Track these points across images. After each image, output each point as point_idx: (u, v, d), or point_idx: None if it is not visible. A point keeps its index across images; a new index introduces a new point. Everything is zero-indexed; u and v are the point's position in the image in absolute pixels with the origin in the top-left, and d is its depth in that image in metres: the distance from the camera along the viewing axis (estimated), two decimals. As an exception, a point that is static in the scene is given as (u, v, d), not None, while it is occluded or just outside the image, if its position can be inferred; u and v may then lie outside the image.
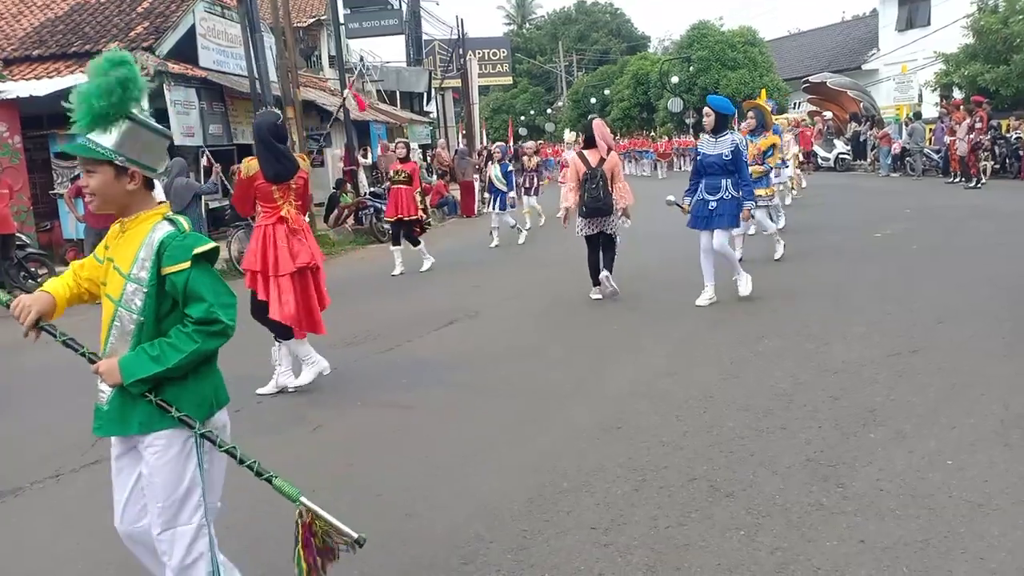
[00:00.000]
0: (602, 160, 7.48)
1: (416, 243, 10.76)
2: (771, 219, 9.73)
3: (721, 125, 6.95)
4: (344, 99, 15.54)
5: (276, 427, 4.76)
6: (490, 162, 14.10)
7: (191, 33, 15.16)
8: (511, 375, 5.54)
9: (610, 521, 3.26)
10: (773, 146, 9.23)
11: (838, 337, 5.78)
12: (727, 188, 6.86)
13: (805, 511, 3.22)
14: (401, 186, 10.57)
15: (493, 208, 13.46)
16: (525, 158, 15.78)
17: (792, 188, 15.27)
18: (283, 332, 5.35)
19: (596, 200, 7.35)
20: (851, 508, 3.22)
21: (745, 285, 7.06)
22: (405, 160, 10.83)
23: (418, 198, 10.71)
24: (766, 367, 5.16)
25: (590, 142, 7.64)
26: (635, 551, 3.02)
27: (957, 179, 18.22)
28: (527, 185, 15.26)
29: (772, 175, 9.63)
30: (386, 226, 12.88)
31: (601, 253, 7.65)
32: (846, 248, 9.85)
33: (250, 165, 5.29)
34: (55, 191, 13.44)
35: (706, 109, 7.04)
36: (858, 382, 4.74)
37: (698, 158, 7.11)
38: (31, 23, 15.52)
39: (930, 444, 3.77)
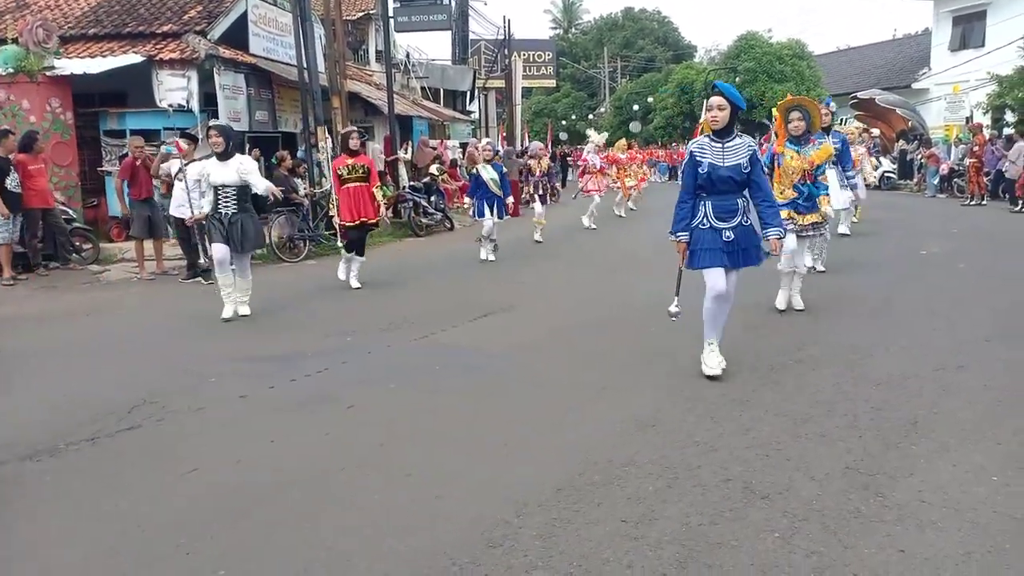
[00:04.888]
0: None
1: (362, 253, 9.18)
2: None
3: (732, 124, 4.93)
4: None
5: (309, 405, 4.77)
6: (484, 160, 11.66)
7: (243, 19, 15.33)
8: (545, 367, 5.50)
9: (641, 515, 3.21)
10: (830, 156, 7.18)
11: (881, 350, 5.66)
12: (745, 211, 4.97)
13: (843, 518, 3.14)
14: (358, 184, 8.88)
15: (482, 216, 11.09)
16: (533, 161, 14.09)
17: (854, 213, 12.58)
18: None
19: None
20: (891, 517, 3.14)
21: (710, 360, 5.05)
22: (356, 153, 9.06)
23: (378, 195, 9.14)
24: (806, 375, 5.06)
25: None
26: (666, 546, 2.97)
27: (972, 200, 18.79)
28: (539, 192, 13.73)
29: (839, 195, 7.89)
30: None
31: None
32: (891, 264, 9.66)
33: None
34: (103, 168, 13.69)
35: (717, 100, 4.82)
36: (901, 394, 4.64)
37: (701, 171, 4.90)
38: (88, 2, 15.82)
39: (975, 459, 3.67)
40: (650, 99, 47.92)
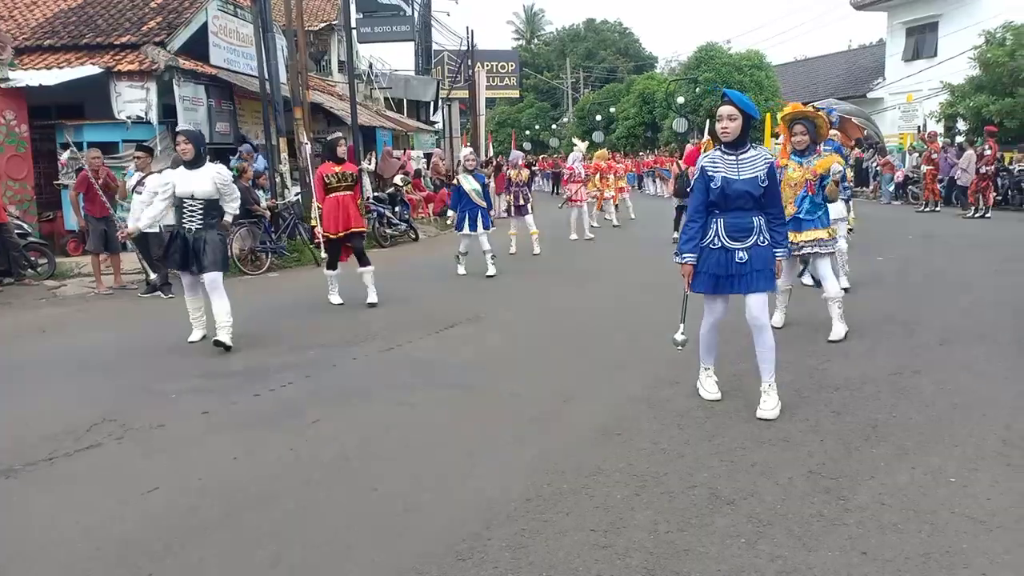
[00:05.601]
0: (688, 167, 12.34)
1: (368, 261, 8.70)
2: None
3: (745, 135, 4.50)
4: None
5: (273, 420, 4.72)
6: (462, 171, 11.16)
7: (203, 30, 15.19)
8: (511, 377, 5.50)
9: (609, 524, 3.23)
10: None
11: (840, 355, 5.77)
12: (761, 229, 4.51)
13: (806, 521, 3.19)
14: (345, 193, 8.48)
15: (471, 228, 10.60)
16: (513, 171, 13.41)
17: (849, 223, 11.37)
18: None
19: (681, 187, 12.76)
20: (853, 520, 3.19)
21: (770, 405, 4.51)
22: (343, 161, 8.64)
23: (360, 208, 8.64)
24: (768, 380, 5.13)
25: (683, 155, 14.72)
26: (634, 554, 2.98)
27: (926, 207, 19.45)
28: (519, 203, 12.99)
29: (836, 205, 7.06)
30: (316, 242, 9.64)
31: (679, 217, 12.80)
32: (848, 270, 9.81)
33: None
34: (59, 181, 13.43)
35: (728, 109, 4.41)
36: (860, 398, 4.72)
37: (714, 186, 4.45)
38: (44, 14, 15.55)
39: (932, 461, 3.75)
40: (612, 109, 48.37)
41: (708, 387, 4.83)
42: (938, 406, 4.54)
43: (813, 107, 6.65)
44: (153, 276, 9.47)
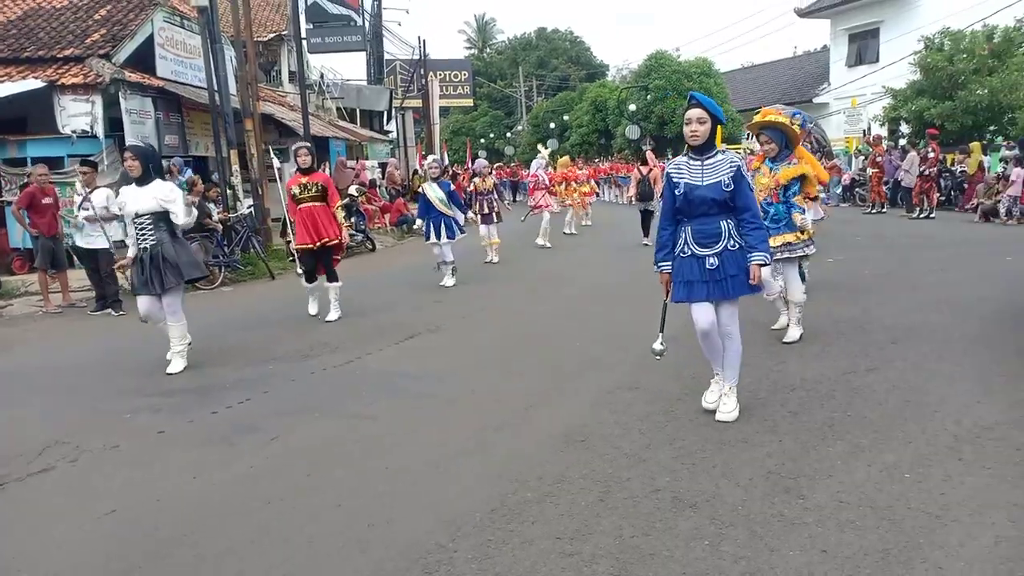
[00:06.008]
0: (650, 171, 14.27)
1: (336, 277, 8.48)
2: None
3: (714, 139, 4.45)
4: None
5: (230, 438, 4.64)
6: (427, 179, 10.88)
7: (149, 42, 14.92)
8: (473, 387, 5.49)
9: (575, 531, 3.24)
10: (803, 177, 6.28)
11: (795, 356, 5.88)
12: (730, 234, 4.44)
13: (767, 522, 3.24)
14: (314, 203, 8.20)
15: (436, 237, 10.44)
16: (478, 179, 13.22)
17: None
18: None
19: (644, 191, 14.30)
20: (812, 519, 3.25)
21: (729, 408, 4.55)
22: (310, 171, 8.30)
23: (339, 216, 8.40)
24: (726, 383, 5.20)
25: (644, 161, 15.30)
26: (600, 560, 3.00)
27: (873, 209, 20.09)
28: (484, 211, 12.77)
29: (807, 215, 6.71)
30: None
31: (645, 220, 14.21)
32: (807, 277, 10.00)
33: None
34: (3, 198, 13.06)
35: (697, 112, 4.34)
36: (816, 398, 4.82)
37: (677, 193, 4.45)
38: (-18, 27, 15.13)
39: (887, 458, 3.84)
40: (566, 117, 48.70)
41: (706, 394, 4.76)
42: (891, 404, 4.65)
43: (779, 111, 6.79)
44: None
